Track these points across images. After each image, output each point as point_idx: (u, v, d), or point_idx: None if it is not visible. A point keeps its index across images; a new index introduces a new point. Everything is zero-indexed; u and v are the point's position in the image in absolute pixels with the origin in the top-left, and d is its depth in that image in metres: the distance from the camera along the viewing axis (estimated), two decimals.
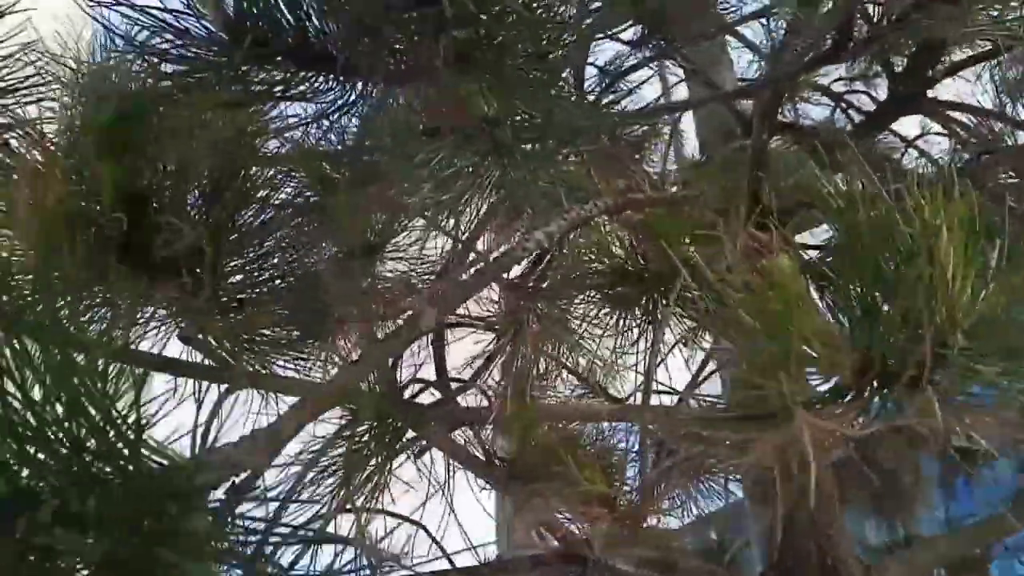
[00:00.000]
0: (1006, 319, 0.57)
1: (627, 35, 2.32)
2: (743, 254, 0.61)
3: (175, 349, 1.26)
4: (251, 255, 0.98)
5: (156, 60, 0.87)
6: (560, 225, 0.88)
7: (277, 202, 1.13)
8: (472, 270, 1.93)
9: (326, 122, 1.17)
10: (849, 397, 0.58)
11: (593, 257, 1.51)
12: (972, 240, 0.57)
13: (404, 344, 0.97)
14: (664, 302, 1.44)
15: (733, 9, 2.38)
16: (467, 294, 1.00)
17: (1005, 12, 0.99)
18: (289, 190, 1.23)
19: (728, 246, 0.62)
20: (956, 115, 2.65)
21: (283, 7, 0.89)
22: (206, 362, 1.27)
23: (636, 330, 1.54)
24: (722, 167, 1.68)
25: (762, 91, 1.39)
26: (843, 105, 3.05)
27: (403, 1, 0.81)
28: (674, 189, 1.81)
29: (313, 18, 0.90)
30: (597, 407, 1.51)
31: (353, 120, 1.32)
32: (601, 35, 1.93)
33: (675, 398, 2.03)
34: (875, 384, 0.58)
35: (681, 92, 3.43)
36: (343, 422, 1.72)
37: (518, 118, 1.02)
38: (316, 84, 0.95)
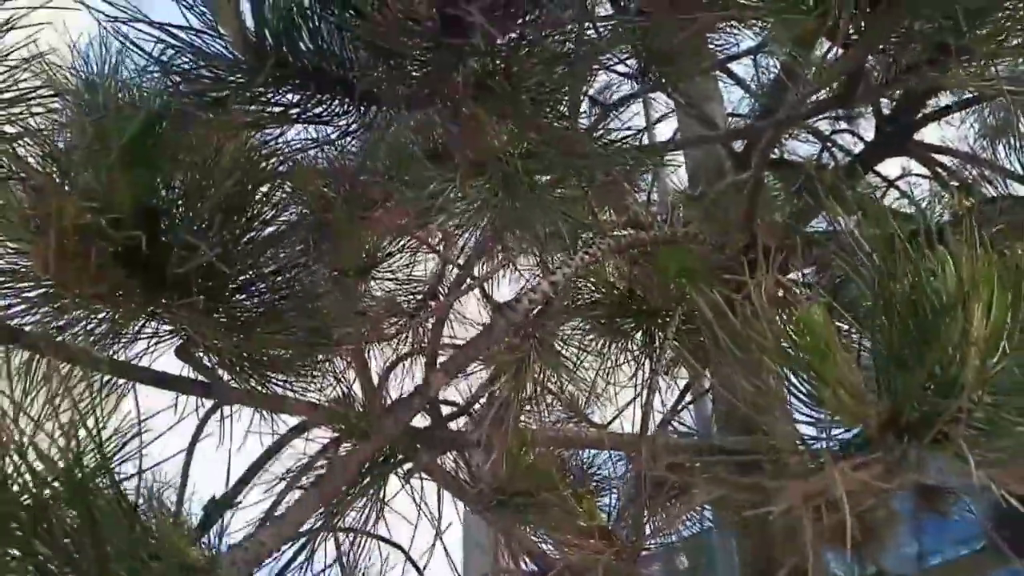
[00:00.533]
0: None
1: (623, 67, 2.38)
2: (770, 300, 0.62)
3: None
4: (258, 274, 0.98)
5: (177, 78, 0.87)
6: (566, 273, 0.89)
7: (283, 220, 1.13)
8: (464, 289, 1.94)
9: (339, 144, 1.17)
10: (874, 449, 0.59)
11: (592, 287, 1.52)
12: (1001, 298, 0.58)
13: (415, 411, 0.99)
14: (661, 335, 1.45)
15: (729, 47, 2.42)
16: (476, 353, 1.01)
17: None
18: (293, 209, 1.23)
19: (755, 292, 0.62)
20: (940, 158, 2.72)
21: (304, 32, 0.89)
22: (198, 378, 1.26)
23: (633, 362, 1.55)
24: (715, 202, 1.70)
25: (764, 131, 1.42)
26: (829, 144, 3.12)
27: (429, 32, 0.81)
28: (663, 218, 1.83)
29: (333, 43, 0.90)
30: (597, 435, 1.51)
31: (357, 141, 1.32)
32: (599, 67, 1.96)
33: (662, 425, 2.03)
34: (899, 437, 0.59)
35: (667, 123, 3.48)
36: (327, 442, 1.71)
37: (529, 148, 1.03)
38: (332, 107, 0.95)
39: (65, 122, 1.25)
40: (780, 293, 0.65)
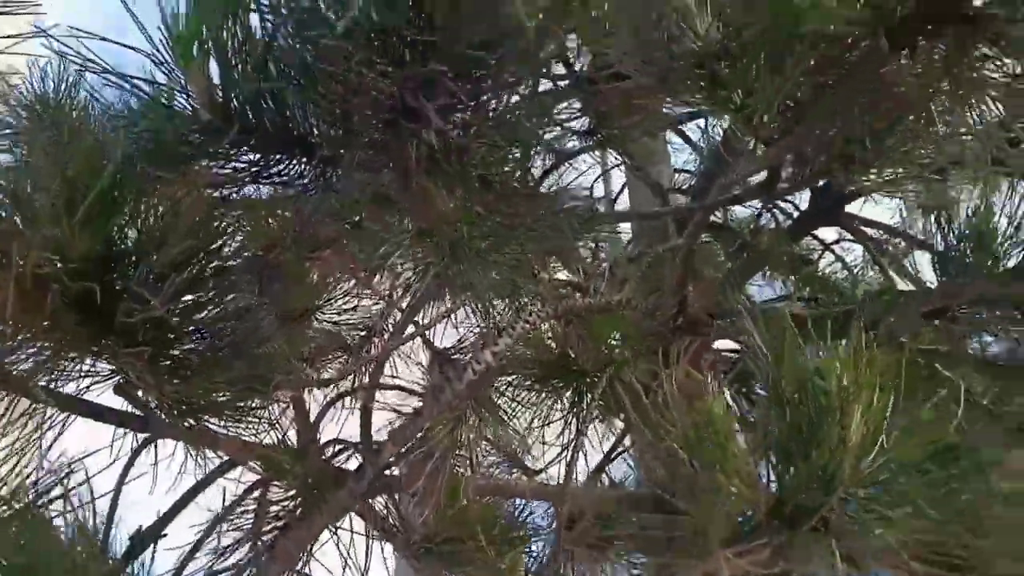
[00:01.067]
0: (902, 473, 0.66)
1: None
2: (680, 391, 0.69)
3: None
4: (204, 323, 1.01)
5: (143, 134, 0.91)
6: (507, 343, 0.95)
7: (233, 264, 1.17)
8: (406, 337, 1.98)
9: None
10: (761, 535, 0.65)
11: (526, 345, 1.58)
12: (879, 404, 0.66)
13: (368, 482, 1.05)
14: (589, 396, 1.52)
15: (677, 112, 2.54)
16: (424, 422, 1.07)
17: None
18: (244, 254, 1.26)
19: (667, 386, 0.69)
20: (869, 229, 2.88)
21: (269, 96, 0.93)
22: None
23: (562, 421, 1.62)
24: (650, 264, 1.79)
25: (696, 211, 1.52)
26: (769, 207, 3.27)
27: (388, 112, 0.87)
28: (600, 279, 1.91)
29: (295, 109, 0.95)
30: (521, 486, 1.56)
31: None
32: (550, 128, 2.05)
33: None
34: (784, 525, 0.65)
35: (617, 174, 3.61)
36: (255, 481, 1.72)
37: (475, 217, 1.09)
38: (292, 167, 1.00)
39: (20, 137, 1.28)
40: (701, 373, 0.72)
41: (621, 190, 3.50)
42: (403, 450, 1.70)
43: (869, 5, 0.73)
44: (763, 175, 1.18)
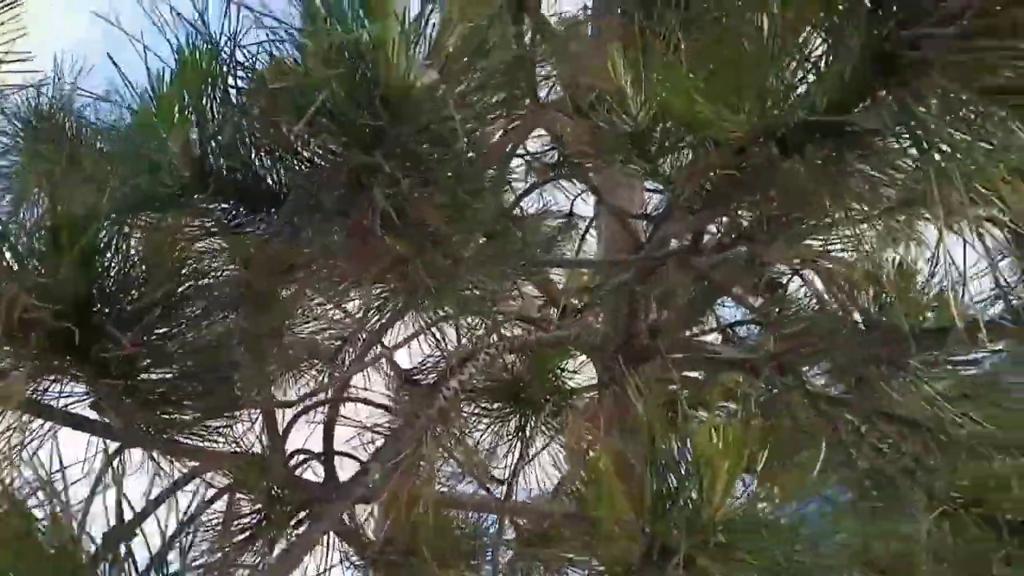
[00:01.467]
0: (759, 522, 0.78)
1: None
2: (576, 445, 0.80)
3: None
4: (174, 356, 1.12)
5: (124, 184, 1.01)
6: (471, 372, 1.07)
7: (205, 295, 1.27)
8: (369, 361, 2.09)
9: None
10: (639, 572, 0.77)
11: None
12: (738, 465, 0.78)
13: (357, 499, 1.18)
14: (534, 420, 1.64)
15: None
16: (402, 446, 1.20)
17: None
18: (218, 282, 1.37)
19: (568, 436, 0.81)
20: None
21: (244, 162, 1.04)
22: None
23: (507, 443, 1.73)
24: (603, 298, 1.90)
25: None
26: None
27: (343, 186, 0.98)
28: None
29: (265, 168, 1.06)
30: (466, 498, 1.68)
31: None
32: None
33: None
34: (654, 564, 0.78)
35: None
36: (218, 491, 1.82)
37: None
38: (260, 217, 1.11)
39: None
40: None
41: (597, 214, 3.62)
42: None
43: (762, 118, 0.85)
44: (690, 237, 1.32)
